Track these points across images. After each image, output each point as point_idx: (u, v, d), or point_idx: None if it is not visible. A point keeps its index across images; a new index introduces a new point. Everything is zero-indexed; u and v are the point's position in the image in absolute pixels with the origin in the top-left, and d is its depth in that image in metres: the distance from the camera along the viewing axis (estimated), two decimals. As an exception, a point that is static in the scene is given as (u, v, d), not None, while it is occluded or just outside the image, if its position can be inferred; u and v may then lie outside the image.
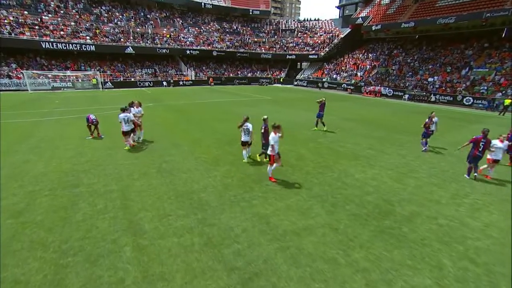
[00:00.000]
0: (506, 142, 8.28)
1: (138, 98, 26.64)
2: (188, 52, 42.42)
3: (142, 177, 7.54)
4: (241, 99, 26.78)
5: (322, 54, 48.21)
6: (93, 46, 35.00)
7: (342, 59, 47.66)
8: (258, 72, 50.68)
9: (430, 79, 32.04)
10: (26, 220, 5.49)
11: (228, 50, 47.04)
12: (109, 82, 34.68)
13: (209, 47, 45.64)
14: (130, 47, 37.38)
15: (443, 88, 29.76)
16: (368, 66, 42.16)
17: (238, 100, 25.63)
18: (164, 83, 38.07)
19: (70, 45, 33.64)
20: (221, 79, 43.23)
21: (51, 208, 5.96)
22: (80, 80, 33.70)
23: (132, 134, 10.35)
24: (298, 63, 56.69)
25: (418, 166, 9.01)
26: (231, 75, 46.64)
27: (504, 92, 25.62)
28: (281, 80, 48.30)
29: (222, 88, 37.87)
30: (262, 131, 8.28)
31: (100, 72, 34.52)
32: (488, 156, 8.19)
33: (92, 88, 33.29)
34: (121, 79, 36.33)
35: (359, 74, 41.56)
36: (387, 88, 34.35)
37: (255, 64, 52.36)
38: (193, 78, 41.69)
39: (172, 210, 5.96)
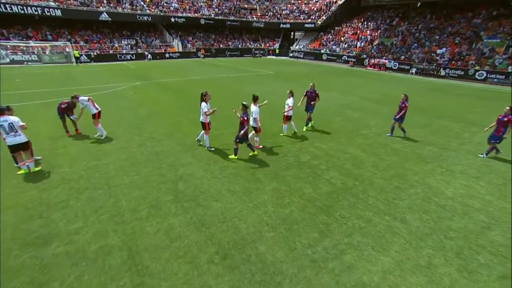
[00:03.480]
0: None
1: (122, 74, 23.19)
2: (172, 19, 37.42)
3: (154, 215, 4.98)
4: (241, 74, 23.83)
5: (320, 22, 44.58)
6: (59, 10, 29.48)
7: (340, 28, 44.41)
8: (250, 43, 46.56)
9: (438, 51, 30.18)
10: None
11: (217, 18, 42.25)
12: (84, 55, 29.96)
13: (196, 14, 40.63)
14: (104, 13, 32.11)
15: (454, 62, 28.09)
16: (368, 37, 39.46)
17: (239, 76, 22.71)
18: (149, 55, 33.68)
19: (29, 8, 27.96)
20: (211, 51, 39.09)
21: None
22: (48, 52, 28.78)
23: (28, 151, 6.33)
24: (292, 33, 52.73)
25: (507, 171, 7.27)
26: (221, 46, 42.40)
27: (519, 65, 24.34)
28: (277, 52, 44.75)
29: (215, 61, 34.19)
30: (241, 119, 6.94)
31: (71, 43, 29.62)
32: None
33: (65, 62, 28.64)
34: (97, 51, 31.53)
35: (359, 44, 38.92)
36: (392, 61, 32.30)
37: (246, 34, 47.97)
38: (180, 50, 37.32)
39: None
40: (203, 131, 7.83)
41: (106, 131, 8.78)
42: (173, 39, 37.99)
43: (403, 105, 8.88)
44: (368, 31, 40.69)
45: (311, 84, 9.66)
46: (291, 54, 45.68)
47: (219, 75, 22.86)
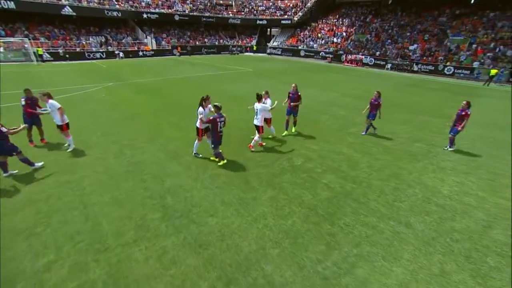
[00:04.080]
0: None
1: (92, 74, 21.34)
2: (145, 15, 35.47)
3: (142, 237, 4.36)
4: (220, 72, 23.09)
5: (296, 19, 44.71)
6: (12, 2, 26.52)
7: (316, 24, 44.88)
8: (227, 40, 45.60)
9: (411, 47, 31.44)
10: None
11: (192, 14, 40.80)
12: (46, 54, 27.41)
13: (170, 10, 38.90)
14: (67, 7, 29.58)
15: (425, 57, 29.40)
16: (344, 33, 40.24)
17: (218, 74, 21.97)
18: (121, 54, 31.67)
19: (-27, -1, 24.92)
20: (186, 48, 37.61)
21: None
22: (1, 50, 25.92)
23: None
24: (269, 30, 52.47)
25: (498, 168, 7.43)
26: (197, 43, 41.05)
27: (482, 61, 25.98)
28: (255, 49, 44.24)
29: (191, 59, 32.96)
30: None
31: (29, 39, 26.94)
32: None
33: (24, 61, 26.01)
34: (62, 49, 29.00)
35: (335, 40, 39.57)
36: (368, 57, 33.16)
37: (222, 30, 46.91)
38: (155, 47, 35.55)
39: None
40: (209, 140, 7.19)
41: (77, 139, 7.86)
42: (146, 36, 36.07)
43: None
44: (343, 28, 41.46)
45: (293, 84, 8.67)
46: (269, 51, 45.46)
47: (197, 73, 21.96)
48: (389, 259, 4.16)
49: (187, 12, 40.34)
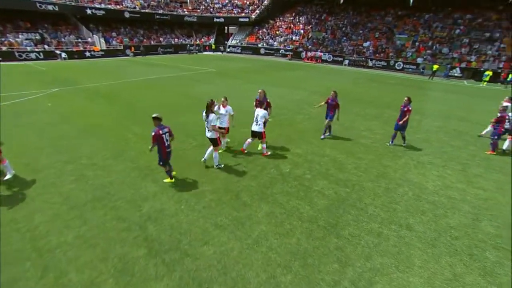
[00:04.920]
0: None
1: (30, 78, 18.19)
2: (89, 11, 31.89)
3: (126, 285, 3.57)
4: (182, 73, 21.76)
5: (253, 17, 44.55)
6: None
7: (274, 22, 45.31)
8: (185, 39, 43.55)
9: (365, 44, 33.43)
10: None
11: (144, 11, 37.97)
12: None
13: (118, 6, 35.63)
14: (-12, 0, 25.10)
15: (377, 54, 31.51)
16: (302, 30, 41.27)
17: (180, 76, 20.66)
18: (63, 54, 28.00)
19: None
20: (139, 48, 34.65)
21: None
22: None
23: None
24: (226, 28, 51.50)
25: (465, 158, 7.96)
26: (152, 42, 38.40)
27: (425, 58, 28.74)
28: (213, 47, 42.98)
29: (148, 60, 30.66)
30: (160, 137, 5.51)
31: None
32: None
33: None
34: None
35: (294, 38, 40.38)
36: (327, 54, 34.46)
37: (178, 29, 44.64)
38: (104, 48, 32.26)
39: None
40: (211, 148, 6.59)
41: (19, 162, 6.44)
42: (92, 35, 32.53)
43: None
44: (301, 25, 42.49)
45: (259, 90, 7.60)
46: (228, 49, 44.66)
47: (157, 75, 20.37)
48: (402, 269, 4.00)
49: (137, 9, 37.40)
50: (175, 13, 41.69)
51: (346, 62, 32.09)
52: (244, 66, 28.01)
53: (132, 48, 33.95)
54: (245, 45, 43.39)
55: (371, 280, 3.80)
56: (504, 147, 8.42)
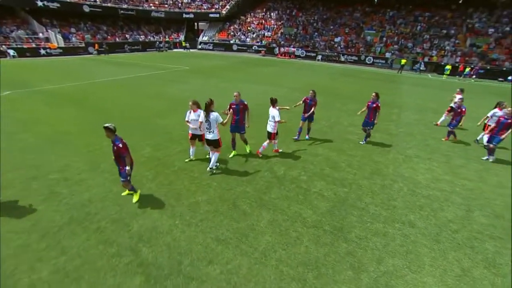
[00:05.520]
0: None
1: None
2: (40, 3, 28.74)
3: None
4: (154, 72, 20.56)
5: (224, 12, 43.62)
6: None
7: (245, 18, 44.78)
8: (153, 36, 41.39)
9: (336, 40, 34.25)
10: None
11: (106, 5, 35.30)
12: None
13: (76, -1, 32.68)
14: None
15: (349, 49, 32.47)
16: (274, 26, 41.26)
17: (153, 75, 19.49)
18: (11, 52, 25.04)
19: None
20: (102, 45, 31.98)
21: None
22: None
23: None
24: (196, 24, 49.94)
25: (446, 150, 8.30)
26: (117, 39, 35.92)
27: (392, 52, 30.19)
28: (184, 44, 41.37)
29: (114, 58, 28.61)
30: (115, 148, 4.79)
31: None
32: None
33: None
34: None
35: (266, 34, 40.26)
36: (300, 49, 34.81)
37: (145, 25, 42.28)
38: (62, 45, 29.47)
39: None
40: (213, 153, 6.22)
41: (-26, 183, 5.47)
42: (46, 30, 29.51)
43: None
44: (272, 21, 42.45)
45: (235, 93, 6.62)
46: (200, 46, 43.39)
47: (127, 75, 19.02)
48: (415, 269, 3.96)
49: (98, 2, 34.65)
50: (140, 8, 39.37)
51: (319, 57, 32.69)
52: (218, 64, 27.29)
53: (96, 45, 31.43)
54: (217, 41, 42.40)
55: (387, 284, 3.70)
56: (480, 139, 8.71)
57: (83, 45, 31.05)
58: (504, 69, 25.34)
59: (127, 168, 4.83)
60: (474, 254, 4.30)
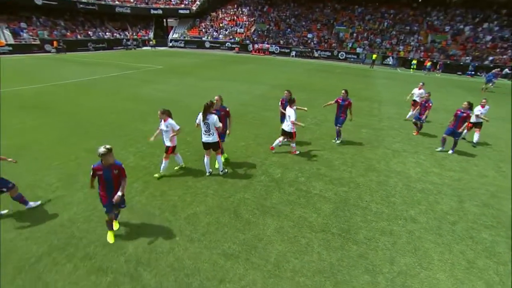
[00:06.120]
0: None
1: None
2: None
3: None
4: (126, 72, 19.27)
5: (194, 8, 42.31)
6: None
7: (216, 14, 43.83)
8: (119, 33, 38.91)
9: (309, 35, 34.76)
10: None
11: (62, -2, 32.35)
12: None
13: (26, -10, 29.53)
14: None
15: (321, 44, 33.14)
16: (246, 22, 40.86)
17: (125, 75, 18.25)
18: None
19: None
20: (60, 43, 29.09)
21: None
22: None
23: None
24: (165, 21, 47.83)
25: (428, 142, 8.67)
26: (78, 37, 33.19)
27: (363, 48, 31.35)
28: (154, 42, 39.44)
29: (78, 57, 26.38)
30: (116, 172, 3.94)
31: None
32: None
33: None
34: None
35: (239, 30, 39.77)
36: (274, 45, 34.85)
37: (109, 21, 39.61)
38: (12, 42, 26.50)
39: None
40: (218, 156, 6.04)
41: None
42: (-7, 27, 26.35)
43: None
44: (244, 17, 41.99)
45: (216, 97, 6.04)
46: (171, 44, 41.73)
47: (95, 75, 17.59)
48: (426, 266, 4.00)
49: (53, -5, 31.63)
50: (103, 2, 36.71)
51: (293, 53, 33.00)
52: (192, 61, 26.42)
53: (55, 42, 28.72)
54: (189, 38, 41.04)
55: (404, 285, 3.69)
56: (475, 140, 8.50)
57: (37, 42, 28.19)
58: (461, 64, 27.49)
59: (117, 195, 3.92)
60: (475, 245, 4.47)
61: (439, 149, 7.98)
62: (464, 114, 7.39)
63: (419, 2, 34.76)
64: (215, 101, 5.95)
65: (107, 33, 36.98)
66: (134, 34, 40.20)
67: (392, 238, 4.52)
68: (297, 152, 7.37)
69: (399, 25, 33.59)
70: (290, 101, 6.76)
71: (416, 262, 4.08)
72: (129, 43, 36.60)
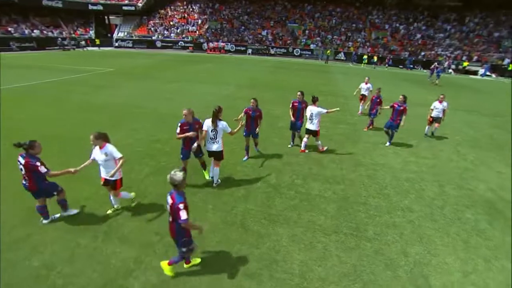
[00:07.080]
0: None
1: None
2: None
3: None
4: (70, 76, 16.95)
5: (140, 5, 39.38)
6: None
7: (165, 12, 41.48)
8: (52, 31, 34.12)
9: (263, 33, 35.11)
10: None
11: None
12: None
13: None
14: None
15: (276, 41, 33.77)
16: (199, 20, 39.54)
17: (70, 80, 16.02)
18: None
19: None
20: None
21: None
22: None
23: None
24: (107, 18, 43.59)
25: (400, 134, 9.27)
26: (-2, 35, 28.17)
27: (316, 44, 32.86)
28: (98, 42, 35.61)
29: (6, 59, 22.30)
30: None
31: None
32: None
33: None
34: None
35: (191, 29, 38.32)
36: (229, 44, 34.42)
37: (34, 16, 34.45)
38: None
39: None
40: (216, 168, 5.69)
41: None
42: None
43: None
44: (195, 15, 40.55)
45: (184, 111, 5.20)
46: (117, 44, 38.25)
47: (36, 81, 15.08)
48: (434, 253, 4.29)
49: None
50: (25, -5, 31.71)
51: (250, 51, 33.05)
52: (145, 62, 24.61)
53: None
54: (137, 38, 38.08)
55: (423, 274, 3.90)
56: (433, 131, 9.20)
57: None
58: (402, 58, 30.75)
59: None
60: (463, 225, 4.96)
61: (387, 144, 8.16)
62: (401, 108, 7.67)
63: (361, 2, 37.66)
64: (183, 116, 5.21)
65: (34, 31, 32.10)
66: (72, 32, 35.72)
67: (398, 230, 4.75)
68: (325, 148, 7.59)
69: (346, 22, 36.02)
70: (313, 100, 6.99)
71: (425, 250, 4.34)
72: (65, 42, 32.39)
